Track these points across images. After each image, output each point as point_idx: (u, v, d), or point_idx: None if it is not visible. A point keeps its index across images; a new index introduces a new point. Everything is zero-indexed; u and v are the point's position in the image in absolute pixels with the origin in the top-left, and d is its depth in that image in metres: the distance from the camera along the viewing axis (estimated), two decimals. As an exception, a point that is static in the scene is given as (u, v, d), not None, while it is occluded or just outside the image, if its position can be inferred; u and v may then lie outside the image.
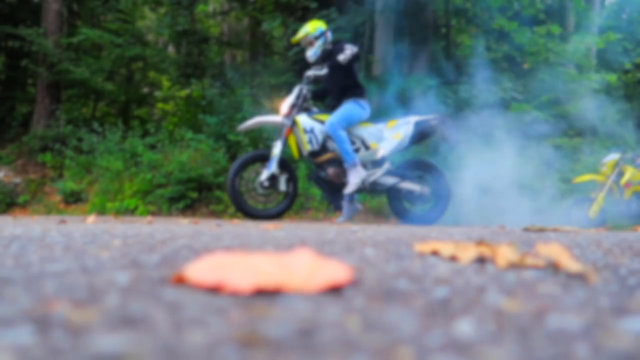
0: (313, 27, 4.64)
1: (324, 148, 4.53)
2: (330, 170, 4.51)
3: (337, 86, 4.56)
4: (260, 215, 4.46)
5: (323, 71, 4.53)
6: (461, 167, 5.69)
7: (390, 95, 7.44)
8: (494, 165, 5.59)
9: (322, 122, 4.49)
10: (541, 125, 7.38)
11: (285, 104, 4.54)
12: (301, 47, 5.71)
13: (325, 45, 4.64)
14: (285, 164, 4.53)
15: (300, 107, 4.54)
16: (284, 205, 4.54)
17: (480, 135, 6.13)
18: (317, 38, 4.62)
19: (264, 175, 4.43)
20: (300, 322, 0.46)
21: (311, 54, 4.66)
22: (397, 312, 0.51)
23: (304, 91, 4.56)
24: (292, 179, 4.56)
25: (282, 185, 4.51)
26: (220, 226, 2.38)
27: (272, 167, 4.42)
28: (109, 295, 0.54)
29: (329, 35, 4.70)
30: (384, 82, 8.09)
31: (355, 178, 4.39)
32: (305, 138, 4.46)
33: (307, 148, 4.47)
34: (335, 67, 4.42)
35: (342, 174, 4.51)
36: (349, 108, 4.48)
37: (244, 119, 6.79)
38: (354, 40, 6.04)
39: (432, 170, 4.70)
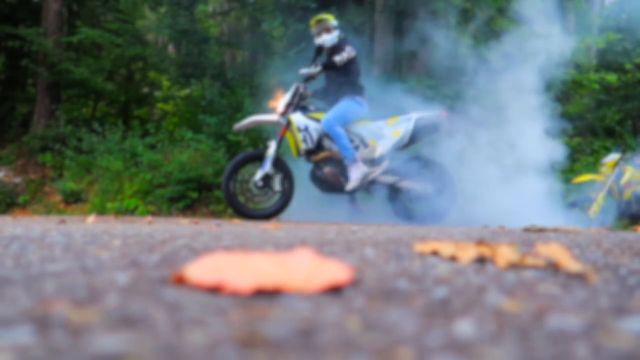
0: (330, 17, 4.67)
1: (319, 146, 4.51)
2: (327, 169, 4.49)
3: (334, 84, 4.56)
4: (256, 215, 4.45)
5: (317, 69, 4.51)
6: (460, 166, 5.68)
7: (390, 95, 7.43)
8: (493, 164, 5.58)
9: (317, 120, 4.47)
10: (541, 124, 7.37)
11: (281, 103, 4.53)
12: (301, 47, 5.69)
13: (340, 37, 4.63)
14: (281, 163, 4.52)
15: (296, 105, 4.52)
16: (280, 205, 4.52)
17: (480, 135, 6.13)
18: (335, 28, 4.64)
19: (258, 175, 4.43)
20: (300, 322, 0.46)
21: (328, 39, 4.59)
22: (397, 312, 0.51)
23: (301, 89, 4.54)
24: (287, 178, 4.55)
25: (277, 185, 4.50)
26: (220, 226, 2.38)
27: (266, 167, 4.41)
28: (109, 295, 0.54)
29: (340, 32, 4.71)
30: (384, 82, 8.09)
31: (356, 174, 4.34)
32: (299, 137, 4.45)
33: (302, 147, 4.46)
34: (330, 66, 4.41)
35: (339, 173, 4.49)
36: (345, 105, 4.47)
37: (244, 119, 6.79)
38: (353, 41, 6.02)
39: (436, 167, 4.61)
